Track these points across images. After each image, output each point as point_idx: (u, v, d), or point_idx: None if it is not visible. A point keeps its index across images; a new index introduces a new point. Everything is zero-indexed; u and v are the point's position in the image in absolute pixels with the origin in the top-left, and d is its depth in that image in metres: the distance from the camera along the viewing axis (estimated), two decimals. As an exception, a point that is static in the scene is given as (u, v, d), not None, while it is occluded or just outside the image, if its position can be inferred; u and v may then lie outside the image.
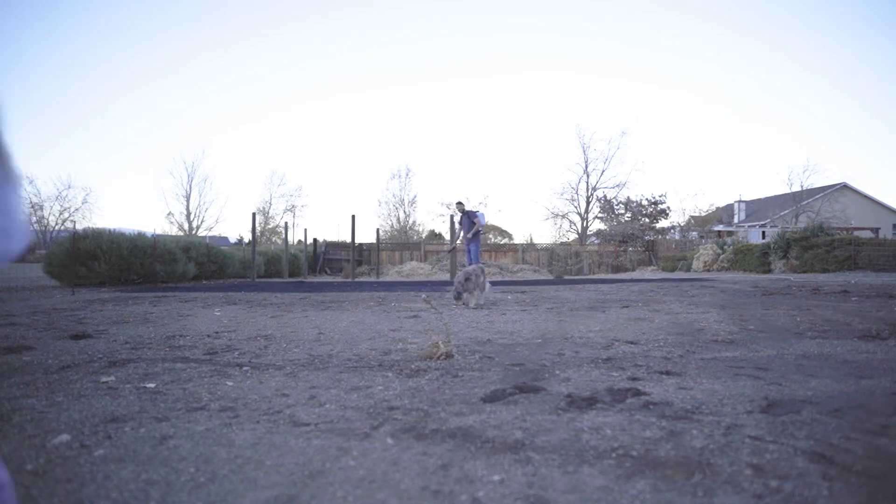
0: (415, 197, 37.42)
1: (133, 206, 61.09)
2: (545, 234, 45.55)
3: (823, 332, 3.42)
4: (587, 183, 35.38)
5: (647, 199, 32.18)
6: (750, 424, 1.53)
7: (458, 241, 7.92)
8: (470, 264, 9.70)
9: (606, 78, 52.72)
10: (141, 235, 11.94)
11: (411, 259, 24.50)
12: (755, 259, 18.58)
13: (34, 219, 35.27)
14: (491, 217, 39.29)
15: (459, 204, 10.38)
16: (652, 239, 28.76)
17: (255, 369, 2.43)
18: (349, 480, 1.19)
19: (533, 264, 24.43)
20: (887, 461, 1.24)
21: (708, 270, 20.31)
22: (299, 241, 24.79)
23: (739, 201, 39.08)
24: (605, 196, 34.54)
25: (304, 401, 1.87)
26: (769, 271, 17.65)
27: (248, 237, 25.45)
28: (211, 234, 39.33)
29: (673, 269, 22.61)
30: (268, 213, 40.19)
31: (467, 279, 5.41)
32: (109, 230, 11.26)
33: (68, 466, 1.27)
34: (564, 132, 63.61)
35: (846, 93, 51.14)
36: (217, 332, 3.68)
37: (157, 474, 1.22)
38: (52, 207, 36.06)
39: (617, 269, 25.39)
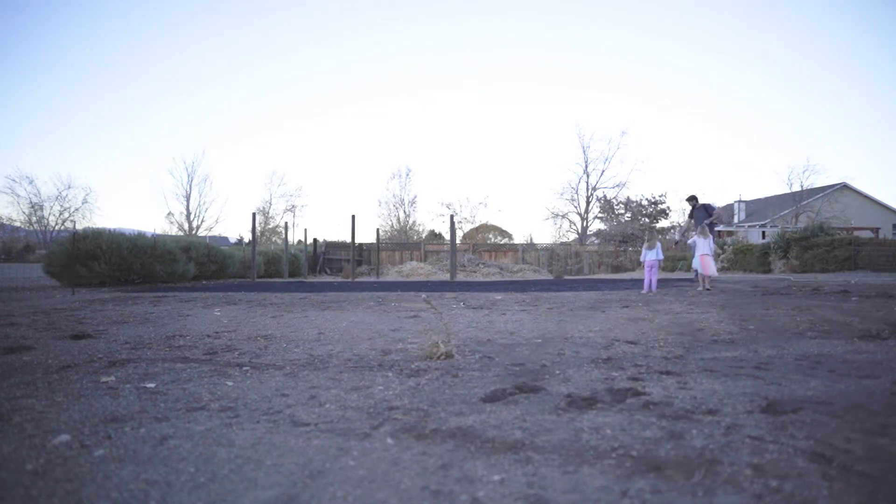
0: (415, 197, 37.40)
1: (133, 206, 61.14)
2: (545, 234, 45.52)
3: (823, 332, 3.41)
4: (587, 183, 35.38)
5: (647, 199, 32.22)
6: (750, 424, 1.53)
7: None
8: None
9: (606, 78, 52.72)
10: (141, 235, 11.94)
11: (411, 259, 24.50)
12: (755, 259, 18.58)
13: (34, 219, 35.23)
14: (491, 217, 39.34)
15: (692, 198, 10.11)
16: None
17: (255, 369, 2.43)
18: (349, 480, 1.19)
19: (533, 264, 24.43)
20: (887, 461, 1.24)
21: (708, 270, 20.27)
22: (299, 241, 24.77)
23: (739, 201, 39.08)
24: (605, 196, 34.56)
25: (304, 401, 1.87)
26: (769, 271, 17.64)
27: (248, 237, 25.45)
28: (211, 234, 39.27)
29: (673, 269, 22.60)
30: (268, 213, 40.14)
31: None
32: (109, 230, 11.25)
33: (68, 466, 1.27)
34: (564, 132, 63.58)
35: (846, 92, 51.14)
36: (217, 332, 3.68)
37: (157, 474, 1.22)
38: (52, 207, 35.96)
39: (617, 269, 25.38)
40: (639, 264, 25.93)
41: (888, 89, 48.08)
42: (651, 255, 7.82)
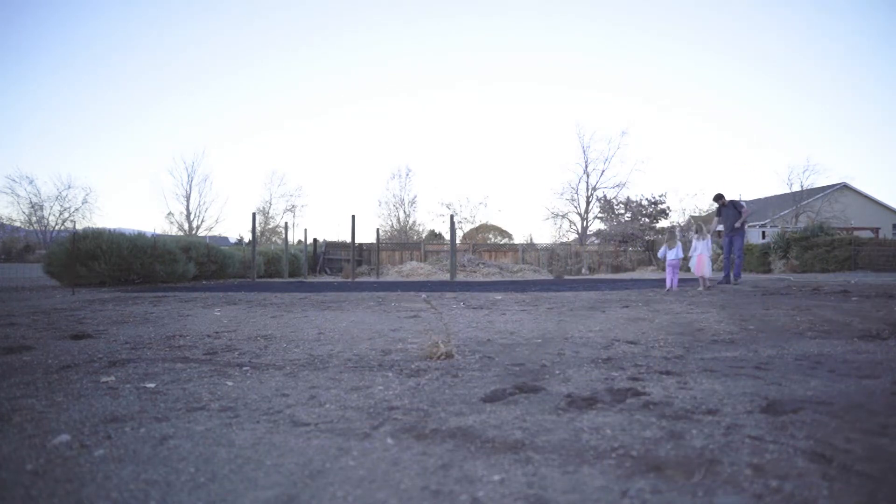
0: (415, 197, 37.36)
1: (133, 206, 61.17)
2: (545, 234, 45.50)
3: (823, 332, 3.41)
4: (587, 183, 35.33)
5: (647, 199, 32.17)
6: (750, 424, 1.53)
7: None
8: (736, 258, 9.54)
9: (606, 78, 52.71)
10: (141, 235, 11.95)
11: (411, 259, 24.50)
12: (755, 259, 18.58)
13: (34, 219, 35.22)
14: (491, 217, 39.30)
15: (719, 197, 9.77)
16: (652, 239, 28.76)
17: (255, 369, 2.43)
18: (349, 480, 1.19)
19: (533, 264, 24.43)
20: (887, 461, 1.24)
21: (708, 270, 20.28)
22: (299, 241, 24.78)
23: (739, 201, 39.10)
24: (605, 196, 34.51)
25: (304, 401, 1.87)
26: (769, 271, 17.65)
27: (248, 237, 25.45)
28: (211, 234, 39.25)
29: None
30: (268, 213, 40.13)
31: None
32: (109, 230, 11.26)
33: (68, 466, 1.27)
34: (564, 132, 63.57)
35: (846, 93, 51.14)
36: (217, 332, 3.68)
37: (157, 474, 1.22)
38: (52, 207, 35.95)
39: (617, 269, 25.39)
40: (639, 264, 25.99)
41: (888, 89, 48.09)
42: (672, 255, 7.93)
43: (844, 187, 33.28)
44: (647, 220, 31.31)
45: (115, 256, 10.43)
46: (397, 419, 1.64)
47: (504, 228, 36.21)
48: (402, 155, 64.01)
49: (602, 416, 1.64)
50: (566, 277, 18.67)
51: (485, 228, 35.84)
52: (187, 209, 39.61)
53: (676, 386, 2.01)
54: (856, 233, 21.05)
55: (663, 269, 8.58)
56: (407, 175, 37.29)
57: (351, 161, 57.66)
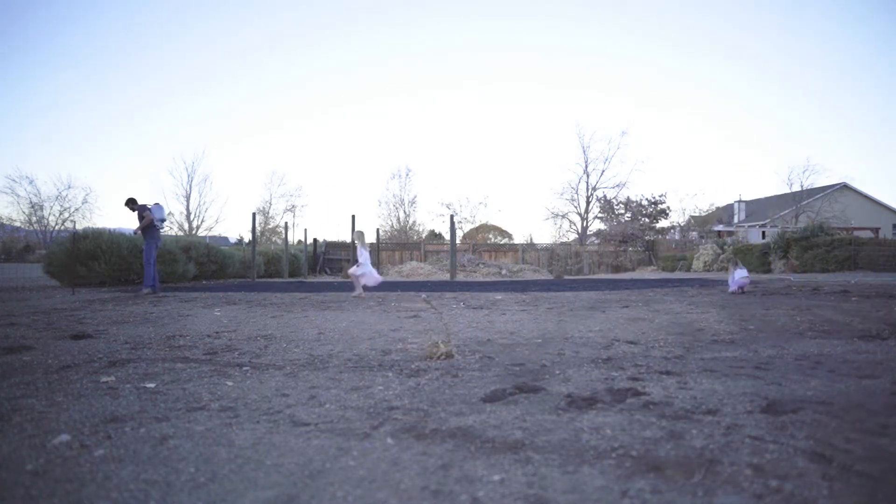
0: (415, 197, 37.36)
1: (133, 206, 61.00)
2: (545, 234, 45.53)
3: (823, 332, 3.41)
4: (587, 183, 35.32)
5: (647, 199, 32.18)
6: (750, 424, 1.53)
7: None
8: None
9: (606, 78, 52.71)
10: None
11: (411, 259, 24.50)
12: (755, 259, 18.59)
13: (34, 219, 35.21)
14: (491, 217, 39.30)
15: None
16: (652, 239, 28.78)
17: (255, 369, 2.43)
18: (349, 480, 1.19)
19: (533, 264, 24.43)
20: (887, 461, 1.24)
21: (708, 270, 20.32)
22: (299, 241, 24.78)
23: (739, 201, 39.03)
24: (605, 196, 34.52)
25: (304, 401, 1.87)
26: (769, 271, 17.65)
27: (248, 237, 25.43)
28: (211, 234, 39.22)
29: (673, 269, 22.61)
30: (268, 213, 40.11)
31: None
32: (109, 230, 11.27)
33: (68, 466, 1.27)
34: (564, 132, 63.55)
35: (847, 92, 51.14)
36: (217, 332, 3.68)
37: (157, 474, 1.22)
38: (52, 207, 35.93)
39: (617, 269, 25.40)
40: (639, 264, 26.00)
41: (887, 90, 48.10)
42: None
43: (844, 187, 33.27)
44: (647, 220, 31.32)
45: (114, 256, 10.42)
46: (397, 419, 1.64)
47: (504, 228, 36.23)
48: (402, 155, 64.01)
49: (602, 416, 1.64)
50: (566, 277, 18.67)
51: (485, 228, 35.83)
52: (187, 209, 39.60)
53: (676, 386, 2.01)
54: (856, 233, 21.07)
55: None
56: (407, 175, 37.29)
57: (351, 161, 57.62)
